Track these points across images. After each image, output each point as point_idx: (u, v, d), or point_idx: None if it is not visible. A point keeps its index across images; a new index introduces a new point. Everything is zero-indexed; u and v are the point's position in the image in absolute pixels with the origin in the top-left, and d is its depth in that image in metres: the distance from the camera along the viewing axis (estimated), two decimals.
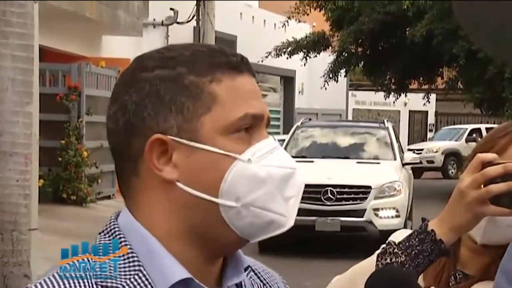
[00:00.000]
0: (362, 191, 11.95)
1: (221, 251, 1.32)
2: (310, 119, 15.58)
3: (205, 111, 1.27)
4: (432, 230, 1.66)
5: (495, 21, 0.70)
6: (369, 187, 11.94)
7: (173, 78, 1.28)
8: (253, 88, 1.32)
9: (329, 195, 11.79)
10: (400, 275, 1.60)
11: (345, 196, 11.90)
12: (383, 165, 12.86)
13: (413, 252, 1.66)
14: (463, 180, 1.64)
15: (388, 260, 1.67)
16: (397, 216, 11.99)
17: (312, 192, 11.52)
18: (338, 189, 11.85)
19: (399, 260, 1.66)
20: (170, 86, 1.28)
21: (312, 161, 12.74)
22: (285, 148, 13.10)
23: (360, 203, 11.88)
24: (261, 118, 1.31)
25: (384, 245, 1.74)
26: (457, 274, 1.95)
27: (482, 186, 1.61)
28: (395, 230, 2.01)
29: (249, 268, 1.39)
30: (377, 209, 11.90)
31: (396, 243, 1.71)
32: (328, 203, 11.79)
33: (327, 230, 11.81)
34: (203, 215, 1.28)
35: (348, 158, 13.19)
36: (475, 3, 0.71)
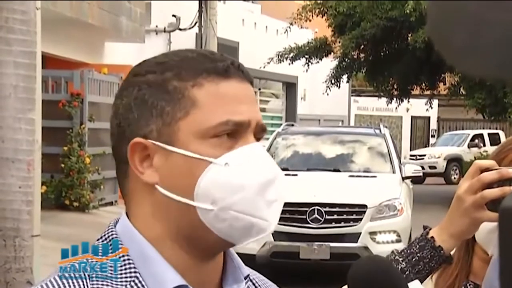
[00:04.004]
0: (355, 211, 9.99)
1: (207, 252, 1.32)
2: (292, 125, 13.75)
3: (183, 115, 1.28)
4: (432, 237, 1.68)
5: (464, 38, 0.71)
6: (365, 206, 10.02)
7: (159, 83, 1.30)
8: (241, 93, 1.31)
9: (316, 215, 9.77)
10: (381, 265, 1.56)
11: (335, 217, 9.88)
12: (380, 179, 10.96)
13: (414, 259, 1.68)
14: (461, 186, 1.65)
15: None
16: (398, 241, 9.93)
17: (296, 212, 9.58)
18: (327, 209, 9.84)
19: (400, 267, 1.68)
20: (155, 91, 1.30)
21: (296, 175, 10.81)
22: None
23: (353, 226, 9.90)
24: (247, 125, 1.30)
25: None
26: (468, 285, 1.97)
27: (479, 192, 1.62)
28: None
29: (248, 277, 1.39)
30: (374, 233, 9.97)
31: (399, 251, 1.72)
32: (315, 226, 9.73)
33: (314, 258, 9.69)
34: (184, 218, 1.28)
35: (338, 171, 11.31)
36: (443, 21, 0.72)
